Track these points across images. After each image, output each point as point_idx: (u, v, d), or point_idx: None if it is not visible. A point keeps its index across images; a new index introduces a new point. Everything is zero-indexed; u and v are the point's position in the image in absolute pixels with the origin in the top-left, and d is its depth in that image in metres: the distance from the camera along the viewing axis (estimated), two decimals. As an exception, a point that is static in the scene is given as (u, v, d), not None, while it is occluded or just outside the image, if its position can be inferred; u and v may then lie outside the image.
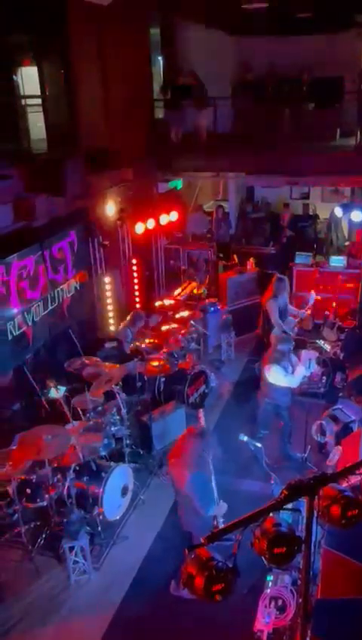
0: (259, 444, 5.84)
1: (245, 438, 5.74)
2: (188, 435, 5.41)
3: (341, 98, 11.60)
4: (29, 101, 8.68)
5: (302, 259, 11.20)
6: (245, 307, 10.84)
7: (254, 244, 13.08)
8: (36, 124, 8.82)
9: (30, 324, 7.75)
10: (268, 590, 4.66)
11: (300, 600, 3.34)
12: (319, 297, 9.97)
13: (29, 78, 8.72)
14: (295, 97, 11.86)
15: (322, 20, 11.76)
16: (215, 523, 5.27)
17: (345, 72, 11.85)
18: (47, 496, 5.95)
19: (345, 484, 3.16)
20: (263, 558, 2.81)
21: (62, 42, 8.77)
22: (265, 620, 4.46)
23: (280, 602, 4.58)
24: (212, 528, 5.20)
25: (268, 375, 7.08)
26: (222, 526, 5.21)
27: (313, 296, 9.32)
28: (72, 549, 5.69)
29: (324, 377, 8.76)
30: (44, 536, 6.10)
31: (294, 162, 10.57)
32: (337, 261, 11.04)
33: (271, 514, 2.83)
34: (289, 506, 2.97)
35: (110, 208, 9.84)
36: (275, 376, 7.02)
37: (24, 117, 8.55)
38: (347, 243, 13.16)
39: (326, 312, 10.35)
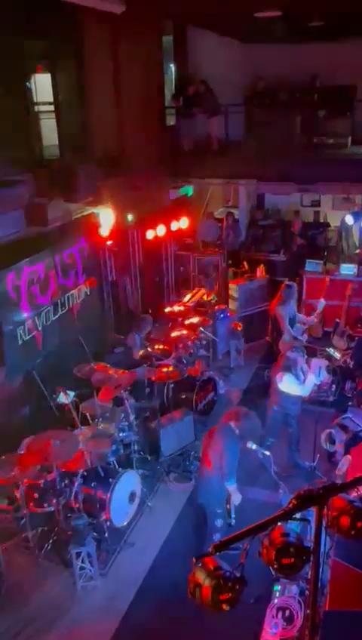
0: (267, 453, 5.82)
1: (253, 446, 5.72)
2: (235, 412, 5.83)
3: (352, 106, 11.58)
4: (42, 107, 8.75)
5: (312, 266, 11.16)
6: (255, 314, 10.82)
7: (264, 252, 13.06)
8: (48, 130, 8.88)
9: (40, 329, 7.78)
10: (276, 600, 4.62)
11: (308, 611, 3.30)
12: (328, 305, 9.90)
13: (41, 85, 8.79)
14: (306, 105, 11.86)
15: (334, 28, 11.77)
16: (228, 507, 5.58)
17: (357, 80, 11.85)
18: (54, 501, 5.95)
19: (354, 495, 3.13)
20: (271, 568, 2.78)
21: (76, 49, 8.84)
22: (272, 630, 4.42)
23: (287, 613, 4.54)
24: (224, 507, 5.59)
25: (279, 383, 7.04)
26: (230, 521, 5.54)
27: (322, 303, 9.28)
28: (78, 554, 5.68)
29: (334, 386, 8.71)
30: (50, 541, 6.10)
31: (305, 170, 10.56)
32: (348, 269, 10.98)
33: (279, 523, 2.81)
34: (298, 515, 2.95)
35: (121, 214, 9.88)
36: (287, 384, 6.98)
37: (37, 123, 8.61)
38: (358, 251, 13.09)
39: (337, 320, 10.29)
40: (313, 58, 12.38)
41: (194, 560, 2.74)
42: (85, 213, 9.03)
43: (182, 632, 5.21)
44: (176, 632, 5.23)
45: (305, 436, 7.28)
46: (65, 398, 6.86)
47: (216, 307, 10.53)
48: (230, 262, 12.43)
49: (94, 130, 9.32)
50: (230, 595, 2.58)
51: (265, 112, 12.32)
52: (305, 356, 7.29)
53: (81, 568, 5.74)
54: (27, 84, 8.34)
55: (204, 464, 5.79)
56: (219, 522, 5.57)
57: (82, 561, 5.72)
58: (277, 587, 4.69)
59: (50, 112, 8.84)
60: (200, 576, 2.66)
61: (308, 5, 9.46)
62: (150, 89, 11.05)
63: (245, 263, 11.88)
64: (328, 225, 14.37)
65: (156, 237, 10.46)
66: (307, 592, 4.26)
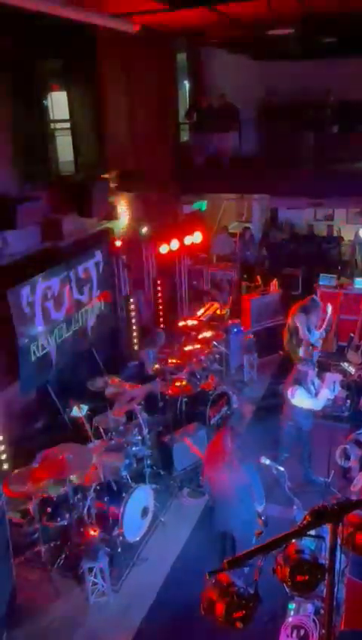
0: (281, 468, 5.76)
1: (267, 461, 5.67)
2: (223, 434, 5.60)
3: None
4: (58, 125, 8.90)
5: (325, 280, 11.13)
6: (268, 328, 10.79)
7: (278, 266, 13.08)
8: (64, 146, 9.02)
9: (54, 344, 7.82)
10: (290, 619, 4.55)
11: (323, 631, 3.25)
12: (342, 319, 9.84)
13: (57, 102, 8.95)
14: (319, 121, 11.93)
15: (346, 45, 11.86)
16: (262, 520, 5.45)
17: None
18: (67, 515, 5.94)
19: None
20: (285, 585, 2.75)
21: (90, 67, 8.99)
22: (286, 649, 4.35)
23: (302, 632, 4.47)
24: (257, 527, 5.42)
25: (290, 397, 7.00)
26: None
27: (329, 309, 9.20)
28: (91, 569, 5.66)
29: (348, 400, 8.62)
30: (63, 556, 6.08)
31: (318, 184, 10.59)
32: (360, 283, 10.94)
33: (293, 540, 2.78)
34: (313, 532, 2.92)
35: (135, 229, 9.97)
36: (298, 398, 6.94)
37: (53, 140, 8.75)
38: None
39: (351, 335, 10.23)
40: (326, 74, 12.47)
41: (207, 576, 2.73)
42: (100, 228, 9.12)
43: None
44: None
45: (319, 452, 7.20)
46: (79, 411, 6.87)
47: (230, 321, 10.53)
48: (244, 276, 12.45)
49: (109, 147, 9.45)
50: (244, 612, 2.55)
51: (278, 127, 12.40)
52: (316, 369, 7.24)
53: (94, 584, 5.71)
54: (44, 101, 8.50)
55: (217, 487, 5.59)
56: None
57: (95, 577, 5.69)
58: (292, 605, 4.62)
59: (66, 129, 8.99)
60: (214, 593, 2.65)
61: (318, 23, 9.55)
62: (164, 105, 11.19)
63: (258, 277, 11.89)
64: (341, 239, 14.37)
65: (170, 251, 10.52)
66: (322, 611, 4.20)
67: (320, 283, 11.13)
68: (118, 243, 9.38)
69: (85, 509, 6.03)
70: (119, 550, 6.14)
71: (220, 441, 5.62)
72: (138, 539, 6.40)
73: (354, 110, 11.84)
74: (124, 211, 9.99)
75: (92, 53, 8.90)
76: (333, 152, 11.14)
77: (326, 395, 7.07)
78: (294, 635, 4.45)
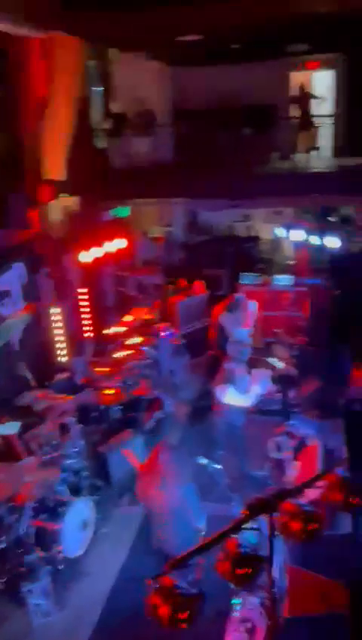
0: (218, 466, 5.84)
1: (204, 461, 5.73)
2: (161, 451, 5.42)
3: (274, 124, 12.05)
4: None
5: (248, 279, 11.40)
6: (197, 330, 10.90)
7: (201, 267, 13.25)
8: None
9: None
10: (236, 613, 4.60)
11: (269, 621, 3.32)
12: (267, 315, 10.13)
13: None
14: (232, 124, 12.23)
15: (253, 50, 12.25)
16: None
17: (277, 99, 12.35)
18: (3, 537, 5.73)
19: (304, 500, 3.19)
20: (227, 580, 2.79)
21: (2, 79, 8.78)
22: (234, 644, 4.39)
23: (249, 625, 4.53)
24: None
25: (221, 396, 7.11)
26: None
27: (253, 306, 9.42)
28: (32, 591, 5.47)
29: (279, 394, 8.86)
30: (3, 580, 5.85)
31: (234, 186, 10.84)
32: (282, 280, 11.29)
33: (232, 535, 2.83)
34: (254, 526, 2.98)
35: (56, 238, 9.79)
36: (228, 396, 7.06)
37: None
38: (290, 262, 13.52)
39: (276, 330, 10.53)
40: (236, 78, 12.82)
41: (150, 581, 2.72)
42: (20, 239, 8.90)
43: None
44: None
45: (255, 446, 7.35)
46: (8, 429, 6.66)
47: (158, 325, 10.55)
48: (169, 280, 12.53)
49: (25, 157, 9.25)
50: (188, 612, 2.56)
51: (192, 131, 12.61)
52: (245, 366, 7.40)
53: (37, 605, 5.53)
54: None
55: (153, 505, 5.43)
56: None
57: (37, 597, 5.51)
58: (237, 600, 4.67)
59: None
60: (158, 597, 2.64)
61: (225, 29, 9.81)
62: (79, 112, 11.08)
63: (183, 279, 12.00)
64: (259, 238, 14.78)
65: (94, 259, 10.41)
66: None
67: (243, 282, 11.38)
68: (40, 253, 9.18)
69: (22, 529, 5.84)
70: (61, 567, 5.98)
71: (156, 458, 5.49)
72: (80, 553, 6.26)
73: (263, 113, 12.24)
74: (44, 220, 9.79)
75: (2, 61, 8.69)
76: (247, 154, 11.45)
77: (256, 391, 7.24)
78: (241, 629, 4.50)
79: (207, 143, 11.79)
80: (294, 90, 13.59)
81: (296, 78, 13.87)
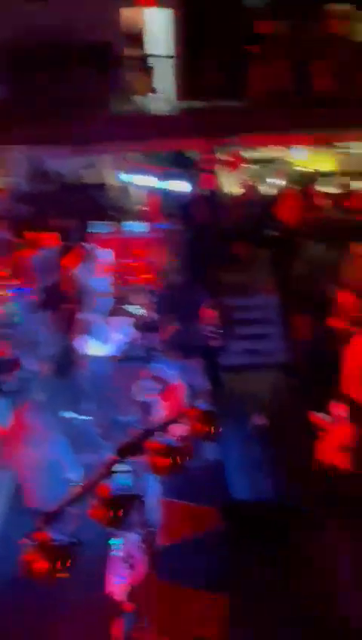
0: (86, 417, 5.86)
1: (72, 414, 5.71)
2: (28, 410, 5.42)
3: (110, 63, 11.63)
4: None
5: (99, 227, 11.21)
6: (55, 283, 10.57)
7: (50, 218, 12.75)
8: None
9: None
10: (118, 553, 4.75)
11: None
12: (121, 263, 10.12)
13: None
14: (65, 63, 11.59)
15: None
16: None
17: (113, 37, 11.89)
18: None
19: (172, 436, 3.32)
20: (103, 524, 2.86)
21: None
22: (117, 581, 4.55)
23: (131, 561, 4.70)
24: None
25: (81, 347, 7.07)
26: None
27: (108, 255, 9.36)
28: None
29: (141, 340, 9.01)
30: None
31: (76, 131, 10.43)
32: (135, 226, 11.28)
33: (104, 481, 2.88)
34: (126, 468, 3.05)
35: None
36: (88, 346, 7.03)
37: None
38: (140, 207, 13.49)
39: (131, 277, 10.58)
40: (65, 14, 12.01)
41: (24, 540, 2.69)
42: None
43: (27, 612, 5.08)
44: (28, 618, 5.08)
45: (122, 393, 7.46)
46: None
47: (12, 281, 10.07)
48: (18, 233, 11.89)
49: None
50: (65, 560, 2.59)
51: (27, 72, 11.76)
52: (102, 315, 7.38)
53: None
54: None
55: (25, 465, 5.39)
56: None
57: None
58: (116, 540, 4.82)
59: None
60: (35, 553, 2.63)
61: None
62: None
63: (33, 232, 11.47)
64: (106, 185, 14.48)
65: None
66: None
67: (94, 231, 11.17)
68: None
69: None
70: None
71: (23, 418, 5.43)
72: None
73: (96, 51, 11.71)
74: None
75: None
76: (82, 96, 10.96)
77: (117, 338, 7.28)
78: (124, 565, 4.66)
79: (43, 85, 11.11)
80: (128, 29, 13.12)
81: (129, 14, 13.36)
